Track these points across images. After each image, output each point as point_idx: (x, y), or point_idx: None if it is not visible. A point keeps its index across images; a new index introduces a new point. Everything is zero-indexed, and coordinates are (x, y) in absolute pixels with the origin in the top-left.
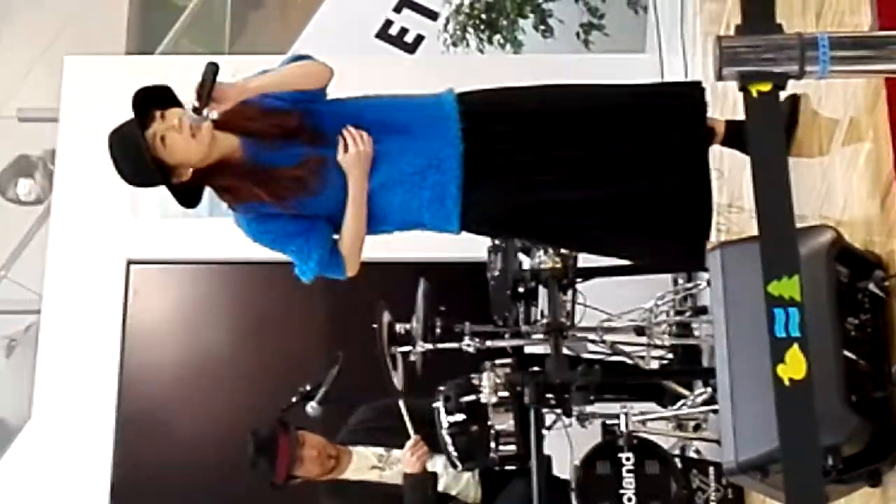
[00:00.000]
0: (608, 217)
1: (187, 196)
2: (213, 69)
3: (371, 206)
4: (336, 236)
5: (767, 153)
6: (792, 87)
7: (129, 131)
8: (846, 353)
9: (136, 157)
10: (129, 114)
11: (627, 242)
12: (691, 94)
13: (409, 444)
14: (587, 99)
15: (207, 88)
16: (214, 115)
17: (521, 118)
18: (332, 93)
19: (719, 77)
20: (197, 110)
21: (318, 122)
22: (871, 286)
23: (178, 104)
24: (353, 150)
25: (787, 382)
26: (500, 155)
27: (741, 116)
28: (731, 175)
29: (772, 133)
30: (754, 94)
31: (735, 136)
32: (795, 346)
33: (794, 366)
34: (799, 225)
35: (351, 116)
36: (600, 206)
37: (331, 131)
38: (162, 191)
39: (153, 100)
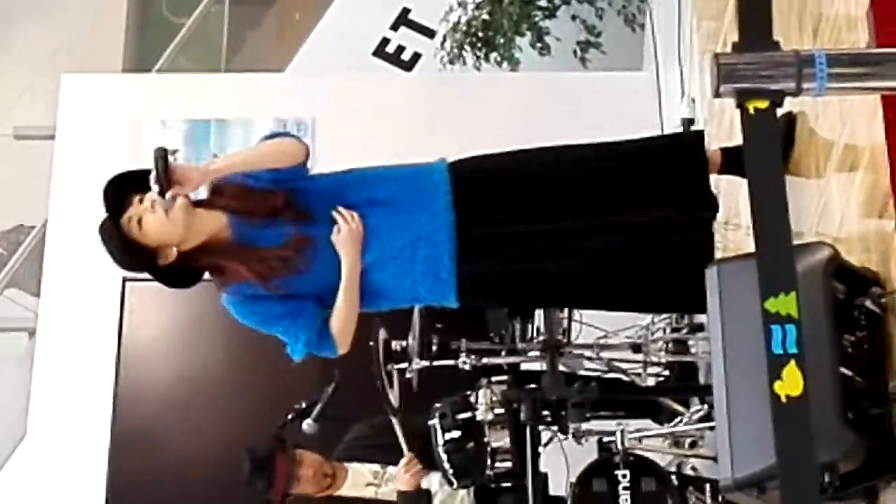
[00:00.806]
0: (610, 285)
1: (180, 277)
2: (161, 153)
3: (364, 284)
4: (327, 312)
5: (764, 170)
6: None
7: (104, 221)
8: (843, 369)
9: (116, 245)
10: (124, 132)
11: (630, 304)
12: (693, 152)
13: (403, 461)
14: (581, 166)
15: (161, 174)
16: (203, 194)
17: (513, 187)
18: (329, 112)
19: (717, 94)
20: (161, 194)
21: (303, 201)
22: (868, 303)
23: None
24: (346, 229)
25: (783, 399)
26: (493, 224)
27: (736, 140)
28: (727, 192)
29: (769, 150)
30: (751, 111)
31: (732, 162)
32: (792, 362)
33: (790, 383)
34: (796, 242)
35: (336, 193)
36: (601, 274)
37: (316, 209)
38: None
39: (135, 183)
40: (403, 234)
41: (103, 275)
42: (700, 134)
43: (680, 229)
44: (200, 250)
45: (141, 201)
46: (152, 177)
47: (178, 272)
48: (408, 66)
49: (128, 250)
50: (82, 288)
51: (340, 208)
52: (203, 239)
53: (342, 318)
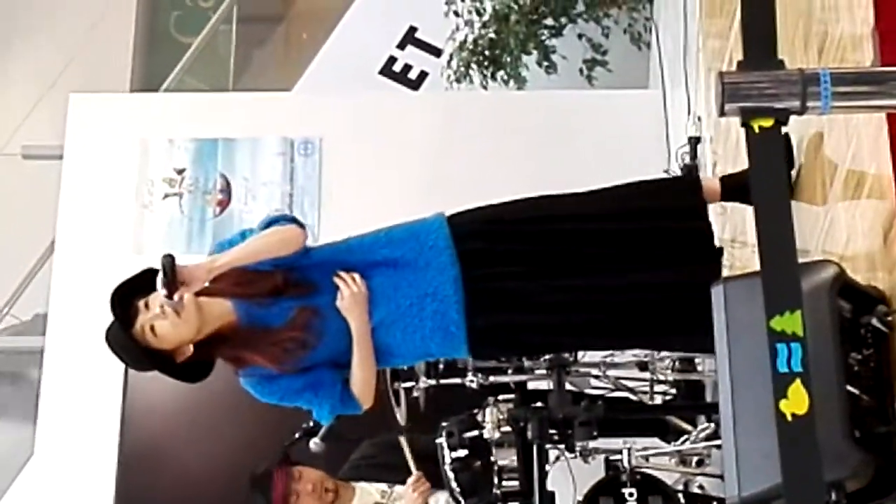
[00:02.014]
0: (621, 336)
1: (197, 370)
2: (168, 261)
3: (375, 344)
4: (345, 372)
5: (769, 188)
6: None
7: (117, 334)
8: (849, 388)
9: (133, 357)
10: (131, 152)
11: (642, 346)
12: (692, 212)
13: (410, 479)
14: (582, 217)
15: (169, 279)
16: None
17: (513, 239)
18: (336, 131)
19: (721, 113)
20: (169, 297)
21: (303, 274)
22: (874, 321)
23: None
24: (348, 293)
25: (789, 418)
26: (498, 277)
27: (742, 159)
28: (733, 210)
29: (774, 169)
30: (756, 129)
31: (731, 191)
32: (798, 381)
33: (796, 401)
34: (801, 260)
35: (336, 261)
36: (611, 327)
37: (318, 279)
38: (163, 226)
39: (134, 288)
40: (409, 291)
41: (111, 294)
42: (697, 185)
43: (687, 288)
44: (213, 339)
45: (147, 305)
46: (159, 281)
47: (195, 365)
48: (415, 84)
49: (147, 358)
50: (89, 306)
51: (341, 273)
52: (214, 327)
53: (361, 379)
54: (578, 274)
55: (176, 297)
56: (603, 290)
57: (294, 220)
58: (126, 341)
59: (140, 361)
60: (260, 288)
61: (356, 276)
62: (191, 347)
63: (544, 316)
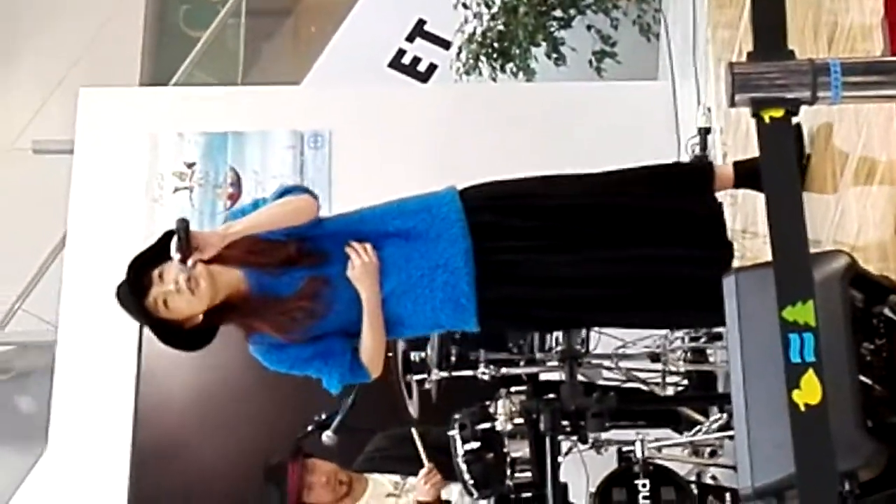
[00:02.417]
0: (630, 310)
1: (202, 336)
2: (183, 224)
3: (385, 314)
4: (354, 341)
5: (780, 178)
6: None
7: (127, 301)
8: (862, 378)
9: (142, 324)
10: (141, 146)
11: (651, 323)
12: (702, 195)
13: (422, 472)
14: (594, 192)
15: (183, 243)
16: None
17: (523, 213)
18: (345, 124)
19: (732, 103)
20: (182, 261)
21: (315, 244)
22: (887, 311)
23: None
24: (359, 263)
25: (802, 408)
26: (508, 250)
27: (752, 149)
28: (744, 200)
29: (784, 158)
30: (767, 120)
31: (745, 177)
32: (810, 371)
33: (809, 391)
34: (812, 250)
35: (348, 231)
36: (621, 302)
37: (330, 249)
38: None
39: (150, 258)
40: (421, 262)
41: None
42: (709, 169)
43: (698, 264)
44: (222, 307)
45: (161, 277)
46: (174, 245)
47: (200, 332)
48: (424, 77)
49: (157, 331)
50: (101, 301)
51: (353, 243)
52: (224, 295)
53: (370, 348)
54: (590, 248)
55: (190, 262)
56: (614, 264)
57: (307, 191)
58: (137, 311)
59: (152, 329)
60: (272, 257)
61: (368, 246)
62: (201, 316)
63: (555, 290)
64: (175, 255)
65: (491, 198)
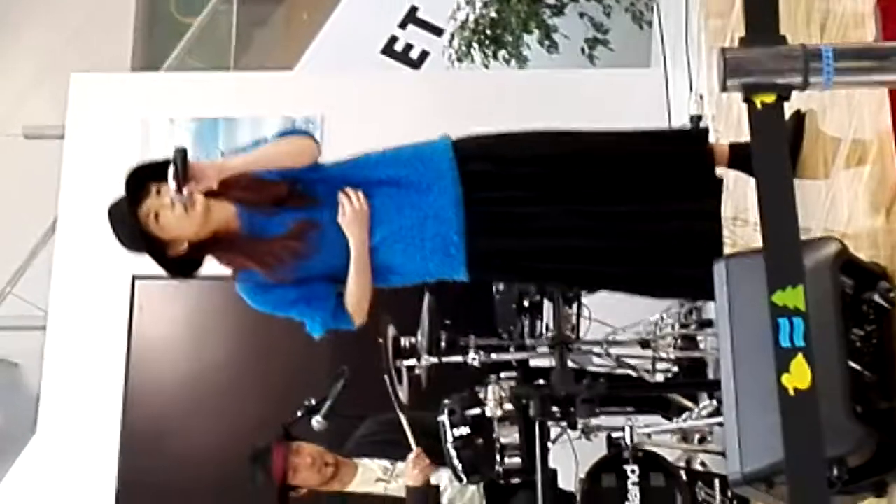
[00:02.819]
0: (617, 264)
1: (184, 266)
2: (181, 153)
3: (374, 262)
4: (340, 287)
5: (771, 163)
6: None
7: (122, 208)
8: (851, 364)
9: (129, 233)
10: (133, 131)
11: (639, 284)
12: (697, 147)
13: (410, 456)
14: (586, 147)
15: (180, 172)
16: (214, 184)
17: (519, 165)
18: (338, 110)
19: (723, 88)
20: (178, 190)
21: (308, 188)
22: (876, 297)
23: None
24: (350, 209)
25: (791, 392)
26: (499, 201)
27: (744, 137)
28: (735, 188)
29: (776, 144)
30: (758, 105)
31: (740, 158)
32: (800, 355)
33: (798, 375)
34: (803, 237)
35: (341, 178)
36: (608, 254)
37: (322, 194)
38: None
39: (153, 172)
40: (411, 212)
41: (113, 273)
42: (704, 129)
43: (687, 217)
44: (210, 241)
45: (158, 192)
46: (170, 173)
47: (184, 262)
48: (416, 64)
49: (141, 239)
50: (92, 286)
51: (347, 189)
52: (213, 229)
53: (355, 295)
54: (582, 200)
55: (185, 191)
56: (605, 217)
57: (309, 134)
58: (128, 217)
59: (134, 239)
60: (265, 196)
61: (360, 193)
62: (185, 245)
63: (545, 240)
64: (171, 183)
65: (485, 146)
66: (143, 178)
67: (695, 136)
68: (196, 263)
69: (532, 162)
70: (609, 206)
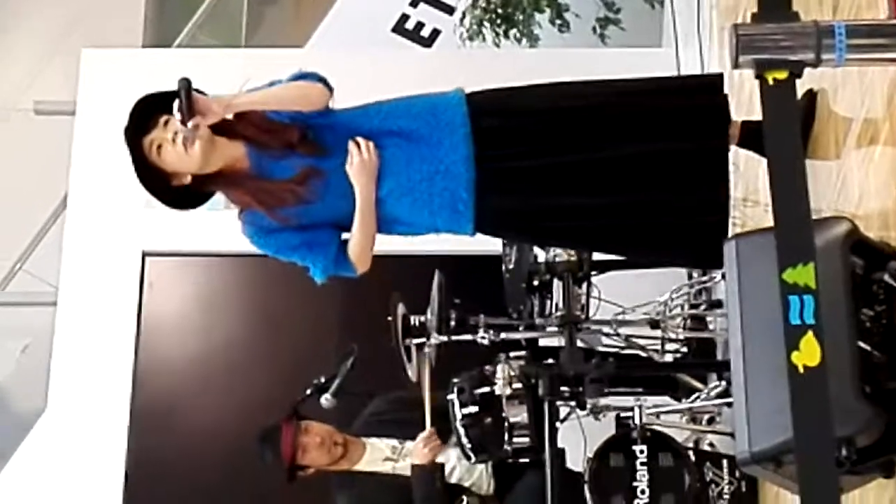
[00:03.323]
0: (626, 223)
1: (188, 199)
2: (185, 84)
3: (381, 213)
4: (346, 235)
5: (783, 141)
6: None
7: (127, 137)
8: (861, 343)
9: (133, 162)
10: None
11: (645, 247)
12: (712, 93)
13: (422, 435)
14: (602, 98)
15: (184, 104)
16: (218, 119)
17: (532, 119)
18: (348, 88)
19: (735, 65)
20: (183, 123)
21: (318, 135)
22: (887, 277)
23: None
24: (358, 159)
25: (801, 369)
26: (511, 158)
27: (756, 115)
28: (746, 169)
29: (787, 120)
30: (770, 81)
31: (752, 137)
32: (810, 333)
33: (808, 353)
34: (814, 217)
35: (352, 126)
36: (617, 211)
37: (332, 142)
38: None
39: (163, 102)
40: (421, 166)
41: (123, 249)
42: (720, 76)
43: (697, 162)
44: (215, 176)
45: (166, 123)
46: (175, 105)
47: (188, 195)
48: (427, 42)
49: (143, 171)
50: (102, 262)
51: (358, 138)
52: (220, 166)
53: (358, 244)
54: (592, 152)
55: (190, 124)
56: (613, 167)
57: (323, 80)
58: (131, 146)
59: (139, 169)
60: (275, 139)
61: (370, 144)
62: (189, 177)
63: (555, 199)
64: (176, 115)
65: (498, 100)
66: (153, 108)
67: (709, 83)
68: (201, 197)
69: (543, 115)
70: (616, 153)
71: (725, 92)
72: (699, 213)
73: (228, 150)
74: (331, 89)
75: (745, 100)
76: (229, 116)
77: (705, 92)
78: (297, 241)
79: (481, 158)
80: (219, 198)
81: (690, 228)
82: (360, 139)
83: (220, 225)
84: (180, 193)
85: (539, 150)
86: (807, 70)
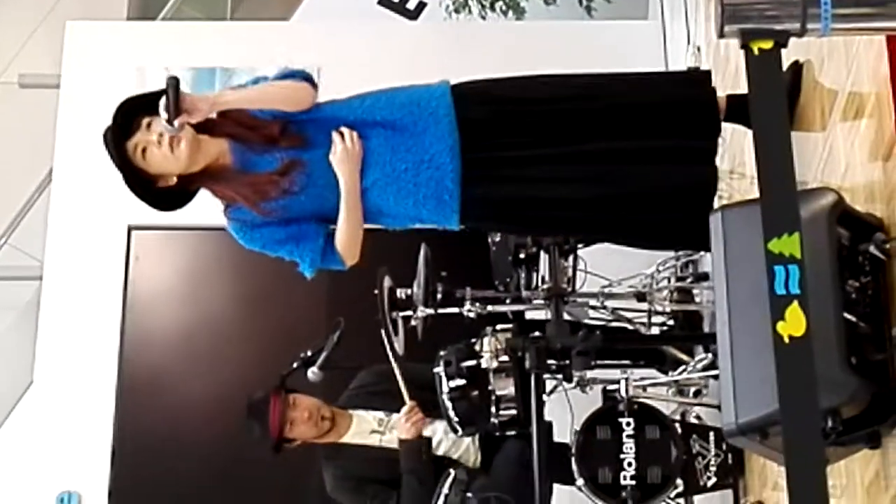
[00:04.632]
0: (612, 212)
1: (173, 198)
2: (173, 83)
3: (366, 204)
4: (330, 228)
5: (768, 111)
6: (796, 51)
7: (110, 141)
8: (846, 315)
9: (118, 165)
10: (129, 80)
11: (631, 234)
12: (700, 88)
13: (404, 409)
14: (587, 90)
15: (171, 104)
16: (205, 117)
17: (517, 110)
18: (333, 61)
19: (721, 35)
20: (169, 122)
21: (301, 128)
22: (872, 248)
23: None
24: (341, 148)
25: (786, 340)
26: (496, 148)
27: (742, 89)
28: (732, 141)
29: (773, 90)
30: (756, 51)
31: (737, 110)
32: (795, 303)
33: (793, 323)
34: (800, 189)
35: (335, 119)
36: (603, 202)
37: (314, 134)
38: None
39: (143, 105)
40: (406, 155)
41: (109, 223)
42: (707, 72)
43: (684, 158)
44: (200, 174)
45: (149, 126)
46: (162, 104)
47: (173, 194)
48: (413, 14)
49: (129, 176)
50: (88, 236)
51: (342, 128)
52: (204, 164)
53: (345, 235)
54: (576, 143)
55: (177, 123)
56: (599, 160)
57: (308, 79)
58: (115, 152)
59: (124, 172)
60: (257, 134)
61: (354, 133)
62: (175, 178)
63: (540, 188)
64: (163, 114)
65: (483, 90)
66: (135, 111)
67: (696, 78)
68: (186, 196)
69: (529, 106)
70: (603, 145)
71: (713, 89)
72: (687, 202)
73: (212, 148)
74: (316, 87)
75: (730, 74)
76: (214, 115)
77: (694, 86)
78: (282, 235)
79: (466, 148)
80: None
81: (679, 219)
82: (343, 129)
83: (206, 199)
84: (166, 195)
85: (525, 142)
86: (792, 40)
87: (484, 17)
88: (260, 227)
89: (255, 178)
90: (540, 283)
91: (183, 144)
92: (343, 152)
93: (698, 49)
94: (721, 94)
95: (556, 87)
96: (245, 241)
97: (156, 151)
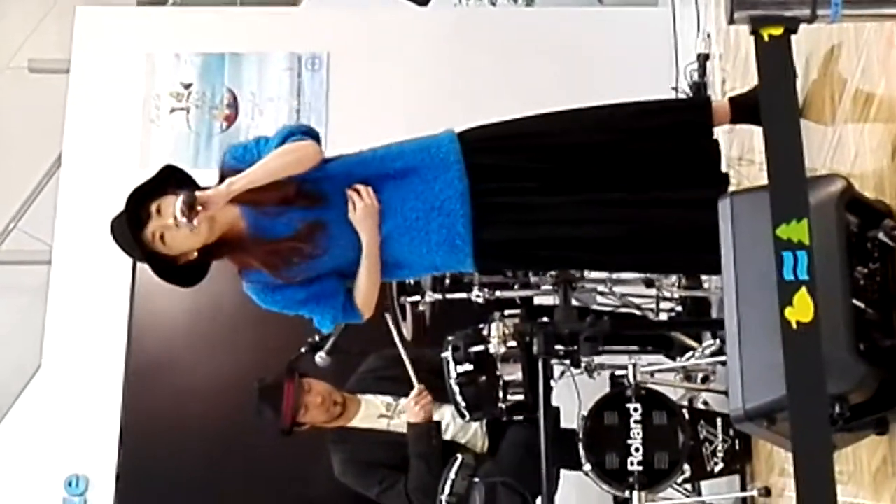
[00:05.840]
0: (622, 252)
1: (193, 273)
2: (190, 198)
3: (382, 256)
4: (349, 282)
5: (778, 96)
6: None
7: (124, 233)
8: (855, 301)
9: (137, 258)
10: (138, 66)
11: (648, 267)
12: (702, 129)
13: (412, 393)
14: (590, 137)
15: (185, 208)
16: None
17: (522, 153)
18: (343, 48)
19: (731, 21)
20: (189, 222)
21: (315, 186)
22: (881, 235)
23: (173, 185)
24: (361, 206)
25: (794, 325)
26: (506, 192)
27: (752, 75)
28: (741, 128)
29: (783, 77)
30: (766, 38)
31: (742, 111)
32: (803, 289)
33: (801, 309)
34: (809, 176)
35: (348, 174)
36: (613, 243)
37: (329, 192)
38: (170, 140)
39: (150, 191)
40: (417, 204)
41: (118, 206)
42: (707, 103)
43: (693, 206)
44: (219, 245)
45: (159, 211)
46: (178, 209)
47: (194, 268)
48: (423, 1)
49: (152, 264)
50: (97, 220)
51: (356, 185)
52: (220, 233)
53: (365, 292)
54: (586, 189)
55: (195, 221)
56: (610, 205)
57: (310, 133)
58: (133, 244)
59: (145, 261)
60: (270, 198)
61: (369, 188)
62: (195, 253)
63: (551, 229)
64: (180, 218)
65: (489, 138)
66: (142, 199)
67: (695, 103)
68: (204, 268)
69: (536, 152)
70: (615, 193)
71: (713, 120)
72: (696, 231)
73: (225, 216)
74: (319, 140)
75: (741, 60)
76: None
77: (699, 133)
78: (302, 295)
79: (476, 194)
80: (213, 158)
81: (688, 259)
82: (358, 186)
83: (212, 182)
84: (187, 271)
85: (532, 188)
86: (802, 27)
87: (494, 4)
88: (281, 289)
89: (276, 245)
90: None
91: (203, 223)
92: (363, 209)
93: (708, 35)
94: (730, 82)
95: (555, 133)
96: (264, 303)
97: (175, 233)
